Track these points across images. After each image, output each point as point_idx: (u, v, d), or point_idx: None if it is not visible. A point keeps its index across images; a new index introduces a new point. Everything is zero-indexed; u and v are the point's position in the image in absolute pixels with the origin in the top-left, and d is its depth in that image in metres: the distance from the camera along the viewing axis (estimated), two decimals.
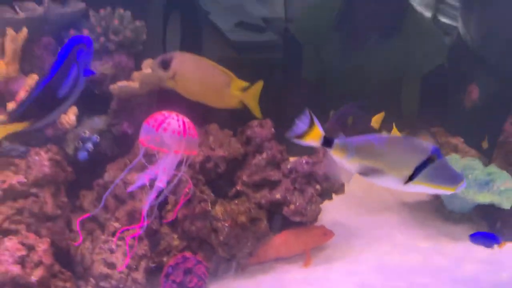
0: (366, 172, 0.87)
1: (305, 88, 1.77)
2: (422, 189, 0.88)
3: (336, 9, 1.69)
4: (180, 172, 0.99)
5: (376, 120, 1.29)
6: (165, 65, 1.10)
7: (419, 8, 2.34)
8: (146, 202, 0.98)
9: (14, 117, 0.93)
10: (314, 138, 0.85)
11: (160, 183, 0.95)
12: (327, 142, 0.85)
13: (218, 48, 1.77)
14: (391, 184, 0.89)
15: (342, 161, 0.87)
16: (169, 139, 0.94)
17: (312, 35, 1.73)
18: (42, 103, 0.92)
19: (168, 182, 0.98)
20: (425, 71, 1.70)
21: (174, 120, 0.97)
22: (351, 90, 1.72)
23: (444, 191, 0.88)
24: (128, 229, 1.07)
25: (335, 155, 0.87)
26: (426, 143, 0.89)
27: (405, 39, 1.67)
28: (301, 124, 0.86)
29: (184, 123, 0.97)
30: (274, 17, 1.97)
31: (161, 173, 0.94)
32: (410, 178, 0.85)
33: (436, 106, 1.76)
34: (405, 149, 0.88)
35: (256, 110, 1.13)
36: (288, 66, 1.82)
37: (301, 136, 0.85)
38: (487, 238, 1.07)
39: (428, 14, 2.27)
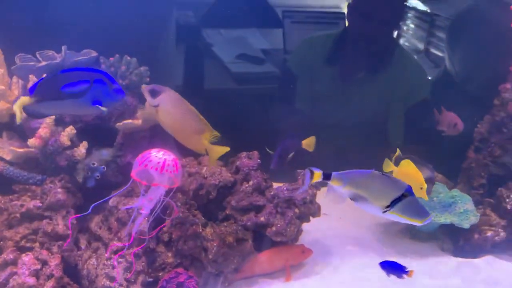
0: (355, 198, 1.10)
1: (298, 117, 1.90)
2: (396, 218, 1.09)
3: (328, 45, 1.84)
4: (166, 199, 1.15)
5: (307, 143, 1.39)
6: (154, 94, 1.22)
7: (407, 45, 2.51)
8: (132, 226, 1.14)
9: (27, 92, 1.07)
10: (317, 178, 1.08)
11: (143, 211, 1.11)
12: (327, 176, 1.08)
13: (220, 79, 1.90)
14: (373, 210, 1.09)
15: (338, 188, 1.09)
16: (148, 174, 1.10)
17: (305, 68, 1.86)
18: (47, 88, 1.07)
19: (152, 210, 1.13)
20: (410, 104, 1.85)
21: (156, 157, 1.11)
22: (341, 120, 1.85)
23: (413, 222, 1.09)
24: (119, 246, 1.22)
25: (333, 184, 1.09)
26: (403, 182, 1.10)
27: (392, 74, 1.80)
28: (307, 176, 1.08)
29: (164, 160, 1.11)
30: (273, 48, 2.13)
31: (146, 202, 1.10)
32: (388, 208, 1.06)
33: (418, 135, 1.89)
34: (386, 184, 1.09)
35: (212, 163, 1.23)
36: (283, 96, 1.95)
37: (310, 181, 1.08)
38: (395, 268, 1.16)
39: (420, 46, 2.43)
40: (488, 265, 1.35)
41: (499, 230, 1.40)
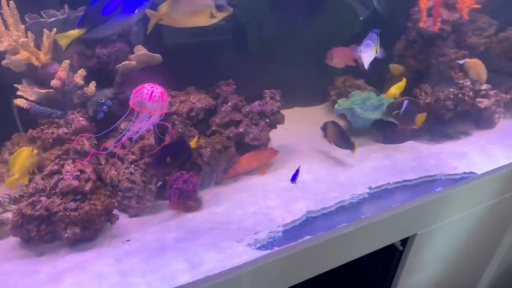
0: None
1: (253, 60, 2.14)
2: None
3: None
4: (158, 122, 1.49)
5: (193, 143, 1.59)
6: None
7: None
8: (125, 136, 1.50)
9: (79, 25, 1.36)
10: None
11: (133, 128, 1.46)
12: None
13: (173, 36, 1.98)
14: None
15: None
16: (141, 103, 1.42)
17: (252, 16, 2.08)
18: (92, 17, 1.35)
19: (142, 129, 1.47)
20: (345, 38, 2.17)
21: (146, 90, 1.42)
22: (287, 59, 2.14)
23: None
24: (133, 158, 1.58)
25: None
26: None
27: (327, 16, 2.11)
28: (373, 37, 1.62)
29: (152, 92, 1.42)
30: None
31: (137, 122, 1.45)
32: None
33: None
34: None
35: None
36: (237, 44, 2.14)
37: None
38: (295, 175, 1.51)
39: None
40: (410, 148, 1.83)
41: None
